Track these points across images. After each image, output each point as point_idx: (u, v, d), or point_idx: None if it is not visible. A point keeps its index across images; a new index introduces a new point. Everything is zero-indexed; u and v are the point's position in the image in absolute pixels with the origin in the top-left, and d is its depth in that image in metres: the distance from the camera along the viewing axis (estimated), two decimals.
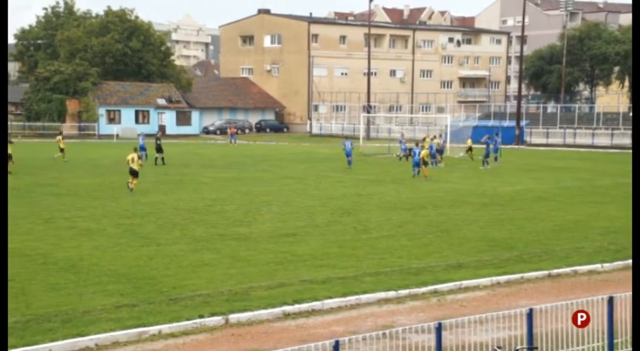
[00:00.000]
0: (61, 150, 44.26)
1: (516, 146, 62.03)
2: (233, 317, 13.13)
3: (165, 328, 12.53)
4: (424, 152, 36.12)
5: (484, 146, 43.15)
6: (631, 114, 74.70)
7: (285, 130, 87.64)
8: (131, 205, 25.89)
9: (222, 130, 78.83)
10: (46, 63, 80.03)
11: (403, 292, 14.88)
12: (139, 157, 30.82)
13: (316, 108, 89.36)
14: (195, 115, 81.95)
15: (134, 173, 29.50)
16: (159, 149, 43.00)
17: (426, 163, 36.02)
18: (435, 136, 48.91)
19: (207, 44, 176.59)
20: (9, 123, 65.27)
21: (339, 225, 22.28)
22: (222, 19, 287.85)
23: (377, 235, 20.78)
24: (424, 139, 45.63)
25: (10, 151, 36.50)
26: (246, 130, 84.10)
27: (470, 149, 47.50)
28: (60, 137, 45.80)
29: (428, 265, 17.04)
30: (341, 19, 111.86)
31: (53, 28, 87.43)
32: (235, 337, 12.45)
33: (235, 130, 70.22)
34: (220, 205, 26.30)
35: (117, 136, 70.23)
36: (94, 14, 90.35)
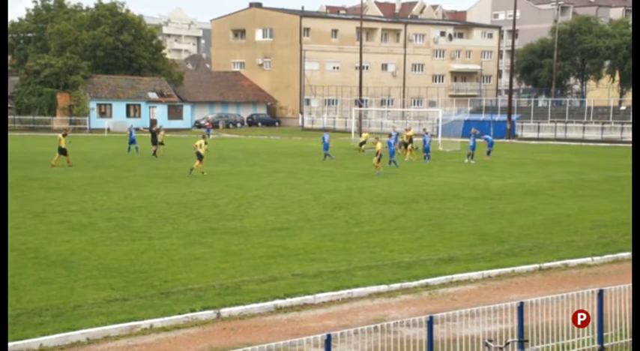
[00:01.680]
0: (161, 143, 44.79)
1: (507, 140, 62.15)
2: (225, 311, 13.14)
3: (157, 322, 12.52)
4: (379, 145, 35.53)
5: (469, 139, 42.83)
6: (621, 108, 75.07)
7: (276, 124, 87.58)
8: (122, 199, 25.85)
9: (214, 124, 78.77)
10: (36, 56, 79.57)
11: (395, 285, 14.91)
12: (206, 143, 34.87)
13: (308, 102, 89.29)
14: (186, 109, 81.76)
15: (199, 156, 33.68)
16: (154, 142, 43.72)
17: (381, 156, 35.14)
18: (408, 129, 48.91)
19: (198, 38, 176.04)
20: None
21: (331, 219, 22.30)
22: (214, 13, 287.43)
23: (369, 229, 20.80)
24: (408, 130, 46.00)
25: (64, 144, 37.23)
26: (238, 124, 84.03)
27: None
28: (163, 132, 46.40)
29: (419, 259, 17.09)
30: (333, 12, 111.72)
31: (43, 22, 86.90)
32: (227, 331, 12.46)
33: (210, 124, 70.65)
34: (212, 199, 26.27)
35: (108, 129, 70.05)
36: (84, 7, 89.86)
